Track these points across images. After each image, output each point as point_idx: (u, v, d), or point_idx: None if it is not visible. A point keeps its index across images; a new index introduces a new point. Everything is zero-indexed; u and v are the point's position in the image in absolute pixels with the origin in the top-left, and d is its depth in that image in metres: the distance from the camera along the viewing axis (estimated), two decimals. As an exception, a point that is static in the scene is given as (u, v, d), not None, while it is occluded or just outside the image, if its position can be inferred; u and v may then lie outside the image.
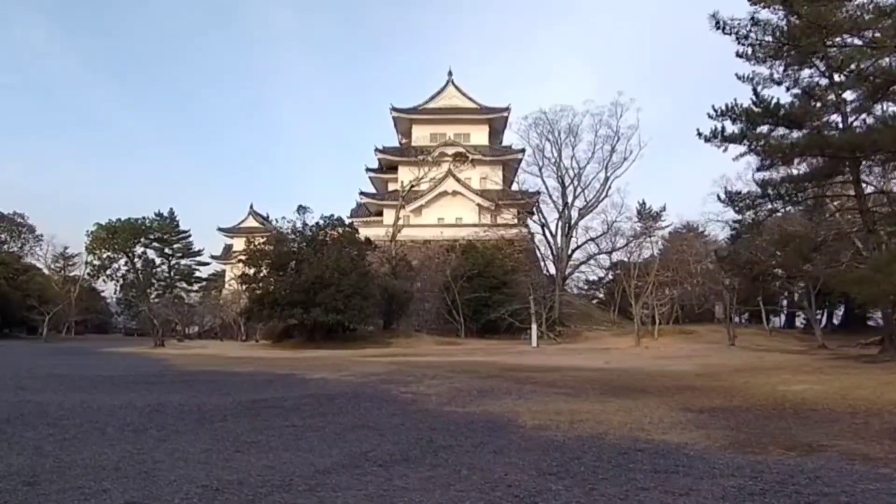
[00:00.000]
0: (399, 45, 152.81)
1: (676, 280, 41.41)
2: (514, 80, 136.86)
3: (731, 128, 21.28)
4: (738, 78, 22.53)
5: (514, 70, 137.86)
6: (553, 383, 12.52)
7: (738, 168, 76.83)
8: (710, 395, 10.60)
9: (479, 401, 9.90)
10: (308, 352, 28.73)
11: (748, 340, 32.04)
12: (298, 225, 37.45)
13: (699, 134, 21.27)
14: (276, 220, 39.36)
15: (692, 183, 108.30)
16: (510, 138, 60.49)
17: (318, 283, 33.18)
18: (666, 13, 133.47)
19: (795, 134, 21.78)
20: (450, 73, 63.09)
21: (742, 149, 21.75)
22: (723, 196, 22.71)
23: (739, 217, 24.18)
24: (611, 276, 58.90)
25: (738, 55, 22.59)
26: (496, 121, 61.64)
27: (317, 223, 37.83)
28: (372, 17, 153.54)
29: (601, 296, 65.36)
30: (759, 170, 21.75)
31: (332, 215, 39.28)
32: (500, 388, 11.64)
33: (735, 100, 21.26)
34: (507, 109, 59.98)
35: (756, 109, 20.32)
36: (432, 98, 62.36)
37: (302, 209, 37.51)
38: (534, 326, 33.45)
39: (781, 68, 22.06)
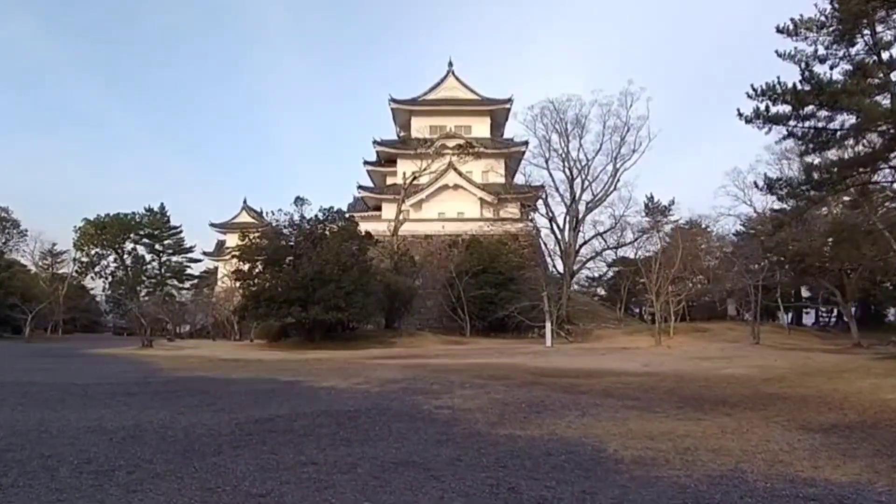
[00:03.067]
0: (397, 38, 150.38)
1: (685, 276, 39.72)
2: (514, 72, 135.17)
3: (773, 108, 19.65)
4: (779, 55, 20.80)
5: (514, 63, 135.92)
6: (609, 392, 10.60)
7: (750, 160, 75.55)
8: (812, 408, 8.74)
9: (537, 419, 7.96)
10: (308, 353, 26.69)
11: (769, 339, 30.46)
12: (296, 218, 35.21)
13: (739, 114, 19.51)
14: (272, 213, 36.92)
15: (690, 179, 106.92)
16: (516, 129, 58.50)
17: (317, 280, 31.16)
18: (665, 6, 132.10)
19: (841, 116, 20.17)
20: (450, 64, 61.08)
21: (784, 131, 20.12)
22: (760, 184, 21.05)
23: (754, 210, 22.47)
24: (612, 273, 57.16)
25: (779, 30, 20.98)
26: (498, 113, 59.75)
27: (315, 216, 35.60)
28: (369, 10, 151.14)
29: (603, 293, 63.65)
30: (802, 154, 19.98)
31: (332, 208, 37.03)
32: (552, 400, 9.70)
33: (778, 78, 19.55)
34: (510, 101, 58.09)
35: (804, 87, 18.52)
36: (432, 89, 60.36)
37: (300, 201, 35.19)
38: (548, 325, 31.56)
39: (825, 44, 20.49)
